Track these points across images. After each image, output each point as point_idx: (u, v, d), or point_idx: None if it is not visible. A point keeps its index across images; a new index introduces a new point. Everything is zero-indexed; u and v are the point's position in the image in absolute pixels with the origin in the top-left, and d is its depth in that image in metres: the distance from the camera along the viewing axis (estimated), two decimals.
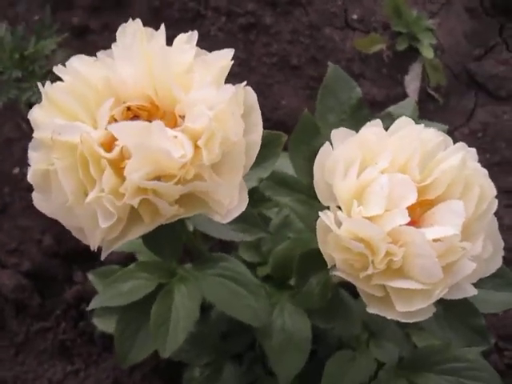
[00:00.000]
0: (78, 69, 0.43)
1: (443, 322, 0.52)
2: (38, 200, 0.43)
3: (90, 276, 0.81)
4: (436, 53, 1.17)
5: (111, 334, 0.92)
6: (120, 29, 0.44)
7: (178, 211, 0.41)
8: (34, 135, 0.42)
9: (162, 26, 0.45)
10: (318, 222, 0.45)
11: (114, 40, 0.44)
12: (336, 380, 0.67)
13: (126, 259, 0.97)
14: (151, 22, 1.22)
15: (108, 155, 0.39)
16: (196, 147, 0.39)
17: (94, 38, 1.16)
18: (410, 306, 0.43)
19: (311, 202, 0.56)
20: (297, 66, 1.15)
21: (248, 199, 0.43)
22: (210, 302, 0.69)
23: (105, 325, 0.84)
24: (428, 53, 1.11)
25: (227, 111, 0.40)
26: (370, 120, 0.81)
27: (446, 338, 0.53)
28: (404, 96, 1.13)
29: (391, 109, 0.78)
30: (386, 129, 0.76)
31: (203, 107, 0.39)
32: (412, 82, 1.12)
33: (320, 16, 1.20)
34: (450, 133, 0.56)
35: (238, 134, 0.41)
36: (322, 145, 0.75)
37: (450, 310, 0.50)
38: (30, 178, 0.41)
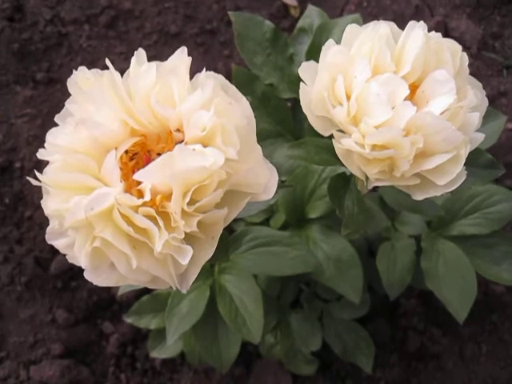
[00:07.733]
0: (61, 143, 0.41)
1: None
2: (96, 277, 0.43)
3: (128, 319, 0.81)
4: None
5: (170, 357, 0.93)
6: (69, 81, 0.43)
7: (226, 212, 0.42)
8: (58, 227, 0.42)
9: (108, 62, 0.44)
10: (336, 150, 0.47)
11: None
12: (391, 271, 0.72)
13: (140, 293, 0.96)
14: (21, 63, 1.16)
15: (143, 201, 0.39)
16: None
17: None
18: (448, 175, 0.47)
19: (300, 141, 0.58)
20: (177, 32, 1.13)
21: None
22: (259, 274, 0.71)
23: (163, 352, 0.86)
24: None
25: (223, 102, 0.41)
26: (288, 44, 0.83)
27: (469, 183, 0.58)
28: (285, 7, 1.15)
29: (300, 24, 0.80)
30: (312, 43, 0.78)
31: (202, 111, 0.40)
32: None
33: None
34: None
35: (241, 118, 0.42)
36: (265, 87, 0.76)
37: None
38: (83, 263, 0.41)
